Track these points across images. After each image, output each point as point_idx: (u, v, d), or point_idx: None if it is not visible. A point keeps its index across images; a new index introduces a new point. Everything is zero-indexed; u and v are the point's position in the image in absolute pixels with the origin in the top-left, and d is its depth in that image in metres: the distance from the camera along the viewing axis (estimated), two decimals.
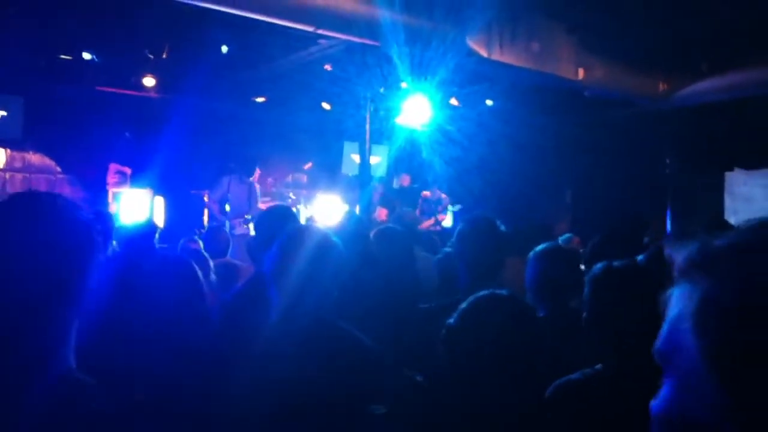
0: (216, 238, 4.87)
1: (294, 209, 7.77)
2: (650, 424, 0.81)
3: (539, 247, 2.84)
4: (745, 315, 0.71)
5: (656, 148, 10.39)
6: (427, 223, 8.28)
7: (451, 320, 1.91)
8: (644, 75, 9.33)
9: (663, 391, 0.79)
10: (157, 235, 3.47)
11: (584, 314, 1.91)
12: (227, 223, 7.53)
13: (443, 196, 9.00)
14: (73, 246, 1.30)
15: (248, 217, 7.98)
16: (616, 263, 1.88)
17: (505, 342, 1.68)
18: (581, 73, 8.64)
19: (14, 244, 1.25)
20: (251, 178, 8.93)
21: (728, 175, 10.48)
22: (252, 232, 7.66)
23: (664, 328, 0.79)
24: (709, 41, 7.89)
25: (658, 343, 0.80)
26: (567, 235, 5.48)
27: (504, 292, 1.87)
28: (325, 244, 2.39)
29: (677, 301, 0.79)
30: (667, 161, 10.47)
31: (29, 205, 1.33)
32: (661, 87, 9.67)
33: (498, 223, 2.91)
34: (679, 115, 9.75)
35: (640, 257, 2.14)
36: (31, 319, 1.24)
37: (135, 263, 2.16)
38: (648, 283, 1.85)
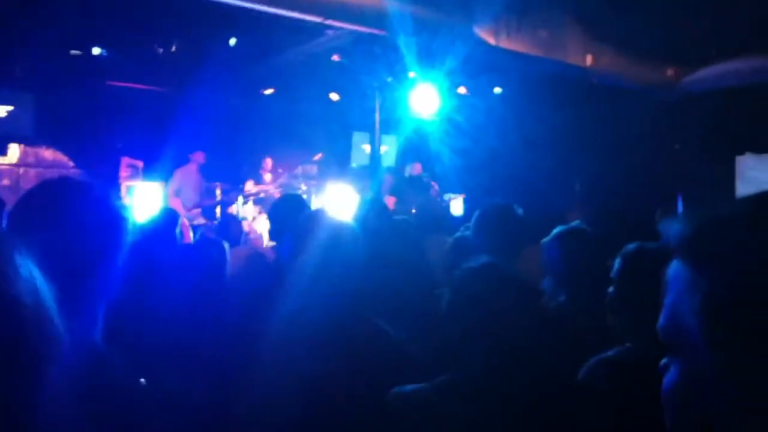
0: (230, 228, 4.94)
1: (304, 198, 7.81)
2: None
3: (560, 229, 2.73)
4: (737, 302, 0.70)
5: (665, 137, 10.37)
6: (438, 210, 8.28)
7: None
8: (652, 63, 9.32)
9: (670, 371, 0.78)
10: (178, 226, 3.54)
11: (611, 290, 1.93)
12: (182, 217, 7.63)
13: (433, 184, 9.00)
14: (105, 226, 1.37)
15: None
16: (648, 244, 1.91)
17: (500, 309, 1.65)
18: (589, 60, 8.64)
19: (55, 222, 1.32)
20: (261, 170, 9.00)
21: (739, 159, 10.44)
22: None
23: (665, 308, 0.79)
24: (716, 28, 7.87)
25: (661, 321, 0.79)
26: (575, 222, 5.45)
27: (489, 260, 1.82)
28: (339, 230, 2.40)
29: (674, 281, 0.78)
30: (676, 147, 10.45)
31: (67, 189, 1.40)
32: (670, 74, 9.66)
33: (516, 208, 2.91)
34: (688, 102, 9.72)
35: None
36: (66, 288, 1.31)
37: (158, 252, 2.21)
38: None
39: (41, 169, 8.76)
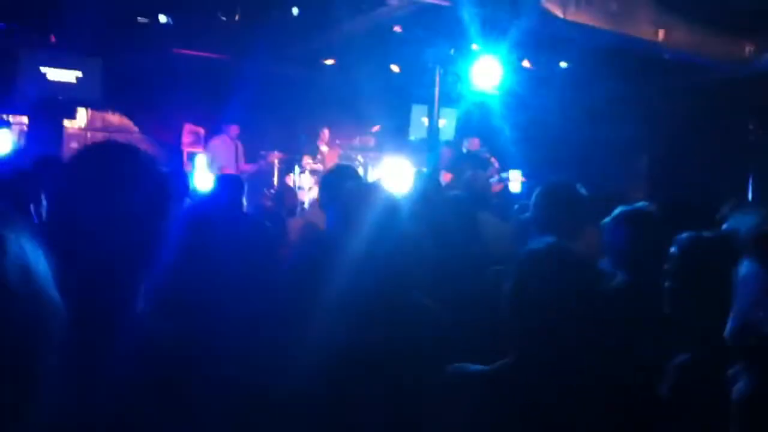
0: (284, 197, 4.97)
1: (360, 170, 7.82)
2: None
3: (625, 208, 2.62)
4: None
5: (739, 114, 9.91)
6: (497, 187, 8.16)
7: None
8: (728, 37, 8.86)
9: (743, 379, 0.71)
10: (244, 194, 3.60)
11: (667, 284, 1.85)
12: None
13: (493, 160, 8.80)
14: (152, 196, 1.35)
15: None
16: (706, 233, 1.80)
17: (567, 294, 1.60)
18: (661, 34, 8.28)
19: (99, 192, 1.31)
20: (319, 141, 9.04)
21: None
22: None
23: (737, 311, 0.72)
24: None
25: (732, 324, 0.72)
26: (642, 203, 5.28)
27: (557, 242, 1.75)
28: (389, 204, 2.37)
29: (747, 282, 0.71)
30: (750, 127, 9.98)
31: (114, 154, 1.39)
32: (746, 50, 9.18)
33: (579, 187, 2.82)
34: (764, 79, 9.25)
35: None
36: (113, 263, 1.31)
37: (216, 219, 2.22)
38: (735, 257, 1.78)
39: (108, 133, 9.02)
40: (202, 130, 9.03)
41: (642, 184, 10.55)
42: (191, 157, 8.78)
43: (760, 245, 0.74)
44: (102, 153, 1.41)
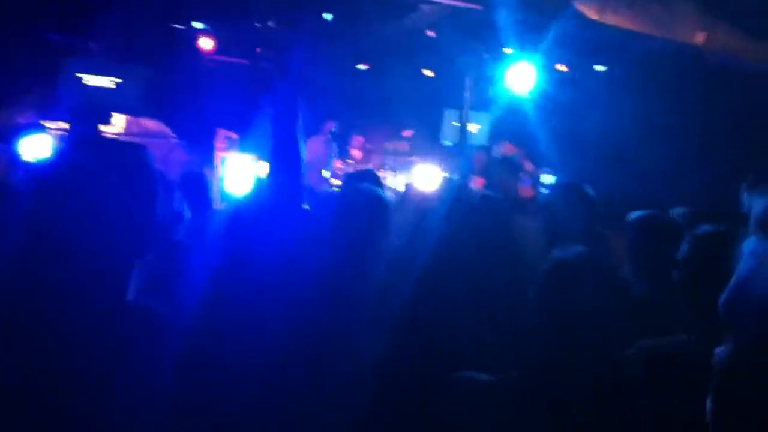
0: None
1: (384, 175, 7.80)
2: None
3: (639, 213, 2.59)
4: None
5: None
6: (528, 191, 8.04)
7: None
8: None
9: (728, 343, 0.80)
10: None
11: (679, 273, 1.80)
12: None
13: (526, 163, 8.67)
14: (144, 189, 1.42)
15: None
16: (722, 226, 1.75)
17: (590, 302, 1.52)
18: (703, 38, 8.12)
19: (91, 184, 1.35)
20: (350, 147, 9.08)
21: None
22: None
23: (734, 281, 0.80)
24: None
25: (727, 294, 0.80)
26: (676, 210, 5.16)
27: (586, 251, 1.69)
28: (372, 204, 2.36)
29: (750, 256, 0.79)
30: None
31: (104, 149, 1.44)
32: None
33: (587, 189, 2.79)
34: None
35: None
36: (103, 250, 1.34)
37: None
38: None
39: (145, 138, 9.15)
40: (235, 135, 9.13)
41: (683, 196, 10.31)
42: (223, 161, 8.87)
43: (759, 221, 0.82)
44: (106, 149, 1.47)
